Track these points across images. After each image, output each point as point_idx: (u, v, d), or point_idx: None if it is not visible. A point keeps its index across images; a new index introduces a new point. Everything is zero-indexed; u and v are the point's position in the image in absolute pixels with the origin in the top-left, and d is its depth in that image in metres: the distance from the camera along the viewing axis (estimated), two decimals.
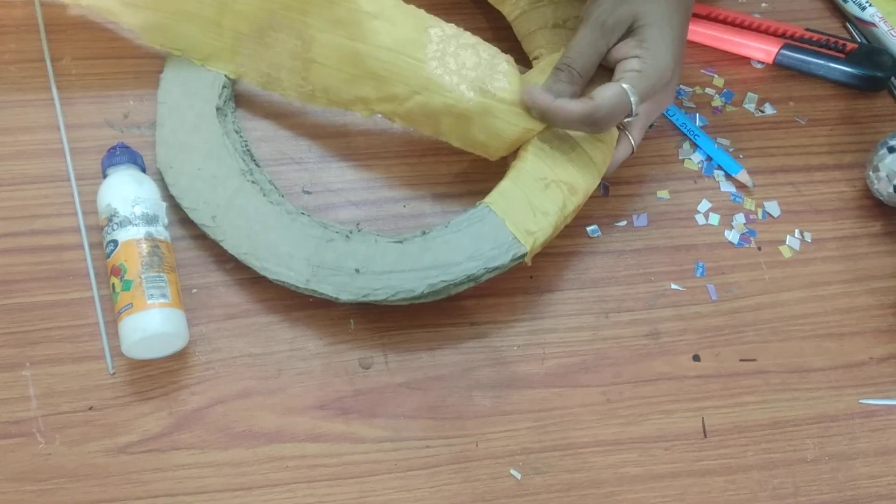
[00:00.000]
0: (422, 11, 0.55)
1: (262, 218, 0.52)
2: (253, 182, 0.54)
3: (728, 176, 0.60)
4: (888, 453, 0.52)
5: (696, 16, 0.66)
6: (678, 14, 0.54)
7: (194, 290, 0.53)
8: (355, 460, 0.49)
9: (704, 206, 0.59)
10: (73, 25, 0.61)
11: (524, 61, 0.59)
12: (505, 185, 0.53)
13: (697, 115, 0.63)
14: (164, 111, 0.56)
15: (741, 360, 0.54)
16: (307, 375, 0.51)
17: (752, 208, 0.59)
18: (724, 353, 0.54)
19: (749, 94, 0.64)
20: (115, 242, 0.50)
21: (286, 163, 0.58)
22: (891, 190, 0.58)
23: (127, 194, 0.51)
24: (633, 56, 0.53)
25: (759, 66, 0.65)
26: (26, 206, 0.55)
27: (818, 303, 0.56)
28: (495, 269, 0.51)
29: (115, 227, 0.50)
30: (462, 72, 0.53)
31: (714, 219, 0.59)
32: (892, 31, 0.66)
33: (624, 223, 0.58)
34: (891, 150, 0.58)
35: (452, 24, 0.55)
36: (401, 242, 0.51)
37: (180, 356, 0.51)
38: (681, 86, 0.64)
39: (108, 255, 0.50)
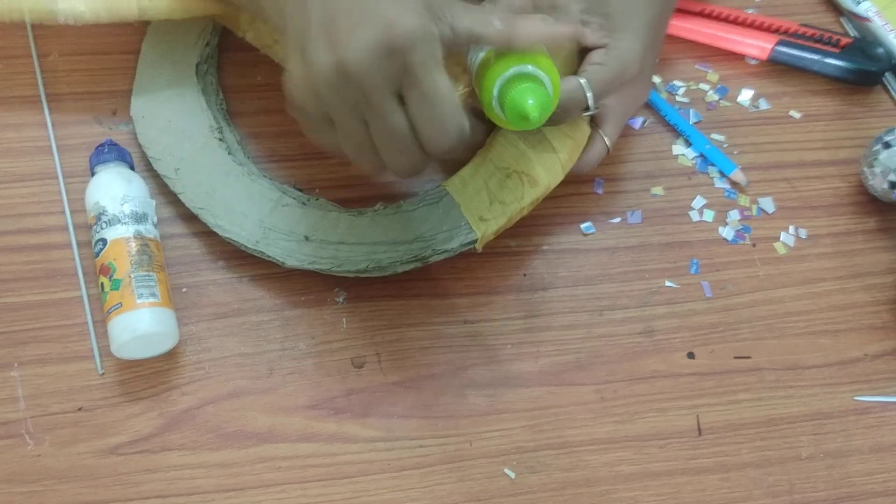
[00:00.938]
0: None
1: (223, 176, 0.53)
2: (220, 140, 0.54)
3: (722, 173, 0.60)
4: (883, 450, 0.52)
5: (690, 12, 0.65)
6: (651, 2, 0.52)
7: (184, 289, 0.52)
8: (348, 460, 0.49)
9: (699, 202, 0.59)
10: None
11: None
12: (466, 171, 0.53)
13: (691, 110, 0.62)
14: (144, 62, 0.57)
15: (736, 358, 0.54)
16: (299, 375, 0.51)
17: (747, 205, 0.59)
18: (718, 351, 0.54)
19: (743, 89, 0.64)
20: (104, 241, 0.50)
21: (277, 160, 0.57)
22: (885, 186, 0.57)
23: (116, 192, 0.51)
24: (600, 46, 0.52)
25: (753, 62, 0.65)
26: (13, 204, 0.54)
27: (813, 300, 0.56)
28: (443, 252, 0.51)
29: (104, 225, 0.50)
30: None
31: (708, 215, 0.58)
32: (886, 26, 0.66)
33: (618, 220, 0.58)
34: (886, 145, 0.57)
35: None
36: (354, 215, 0.52)
37: (170, 356, 0.50)
38: (674, 81, 0.63)
39: (97, 254, 0.50)
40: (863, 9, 0.67)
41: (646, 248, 0.57)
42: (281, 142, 0.58)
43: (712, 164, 0.60)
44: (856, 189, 0.60)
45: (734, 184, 0.60)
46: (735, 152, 0.61)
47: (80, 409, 0.49)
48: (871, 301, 0.56)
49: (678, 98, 0.63)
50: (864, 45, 0.64)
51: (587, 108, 0.51)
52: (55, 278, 0.52)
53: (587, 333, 0.54)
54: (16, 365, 0.49)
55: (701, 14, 0.66)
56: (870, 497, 0.50)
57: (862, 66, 0.63)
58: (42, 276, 0.52)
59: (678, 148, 0.61)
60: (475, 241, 0.52)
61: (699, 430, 0.51)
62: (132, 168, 0.53)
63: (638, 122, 0.62)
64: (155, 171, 0.55)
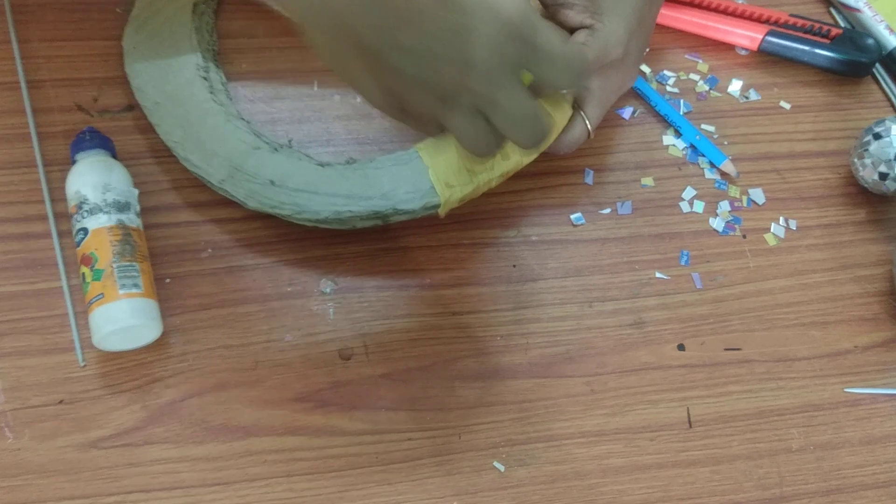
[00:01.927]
0: None
1: (201, 113, 0.53)
2: (204, 79, 0.54)
3: (713, 164, 0.60)
4: (873, 442, 0.51)
5: (680, 2, 0.65)
6: None
7: (168, 280, 0.51)
8: (335, 454, 0.48)
9: (689, 193, 0.58)
10: (40, 6, 0.58)
11: None
12: (440, 138, 0.53)
13: (682, 100, 0.62)
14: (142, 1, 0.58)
15: (726, 350, 0.53)
16: (285, 367, 0.50)
17: (737, 196, 0.59)
18: (708, 343, 0.53)
19: (733, 80, 0.63)
20: (86, 230, 0.48)
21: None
22: (875, 177, 0.57)
23: (97, 181, 0.50)
24: (585, 27, 0.52)
25: (743, 52, 0.65)
26: None
27: (803, 291, 0.56)
28: (405, 212, 0.51)
29: (85, 214, 0.49)
30: None
31: (699, 206, 0.58)
32: (877, 17, 0.66)
33: (608, 211, 0.57)
34: (876, 136, 0.57)
35: None
36: (322, 167, 0.52)
37: (154, 348, 0.49)
38: (664, 71, 0.63)
39: (78, 244, 0.49)
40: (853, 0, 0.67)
41: (636, 240, 0.56)
42: (262, 87, 0.58)
43: (702, 155, 0.60)
44: (846, 180, 0.60)
45: (724, 175, 0.59)
46: (725, 143, 0.61)
47: (61, 402, 0.48)
48: (861, 293, 0.56)
49: (668, 88, 0.62)
50: (854, 36, 0.64)
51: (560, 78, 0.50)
52: (35, 268, 0.51)
53: (577, 325, 0.53)
54: None
55: (691, 4, 0.65)
56: (860, 489, 0.50)
57: (852, 57, 0.63)
58: (22, 265, 0.51)
59: (668, 138, 0.60)
60: (438, 206, 0.51)
61: (689, 422, 0.51)
62: (114, 156, 0.52)
63: (628, 113, 0.61)
64: (136, 159, 0.54)
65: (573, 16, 0.52)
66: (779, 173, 0.60)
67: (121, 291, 0.47)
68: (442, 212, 0.52)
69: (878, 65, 0.65)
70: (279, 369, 0.50)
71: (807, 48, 0.63)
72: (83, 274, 0.48)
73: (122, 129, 0.55)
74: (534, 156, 0.53)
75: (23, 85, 0.56)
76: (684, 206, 0.58)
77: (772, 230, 0.58)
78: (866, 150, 0.57)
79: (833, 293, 0.56)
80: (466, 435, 0.49)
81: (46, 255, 0.51)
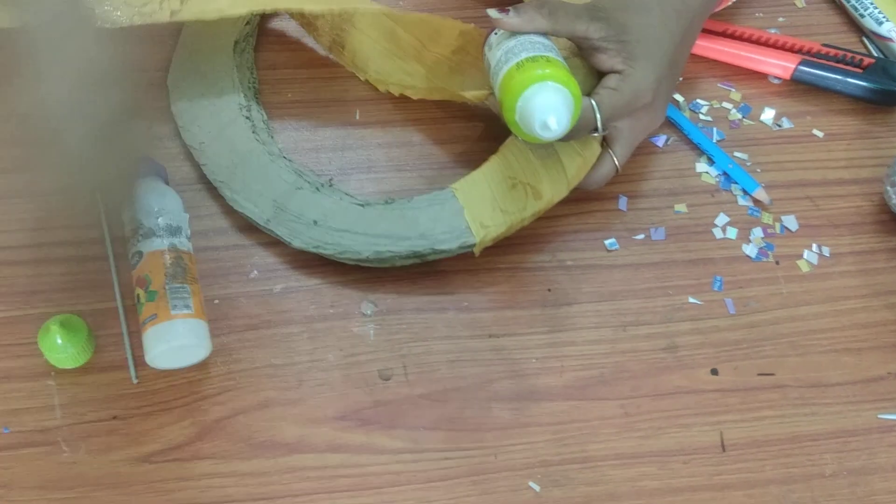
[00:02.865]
0: None
1: (245, 153, 0.55)
2: (247, 118, 0.56)
3: (745, 191, 0.61)
4: None
5: (713, 32, 0.66)
6: (672, 33, 0.54)
7: (216, 301, 0.53)
8: (375, 471, 0.49)
9: (722, 219, 0.59)
10: None
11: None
12: (475, 176, 0.55)
13: (714, 128, 0.63)
14: (186, 33, 0.60)
15: (759, 375, 0.54)
16: (327, 386, 0.52)
17: (770, 222, 0.60)
18: (742, 367, 0.54)
19: (766, 108, 0.64)
20: (140, 254, 0.51)
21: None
22: None
23: (151, 206, 0.52)
24: (616, 71, 0.54)
25: (776, 81, 0.66)
26: (52, 216, 0.55)
27: (836, 317, 0.56)
28: (442, 251, 0.53)
29: (140, 238, 0.51)
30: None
31: (731, 233, 0.59)
32: None
33: (642, 237, 0.58)
34: None
35: None
36: (363, 206, 0.54)
37: (203, 366, 0.51)
38: (697, 100, 0.64)
39: (134, 266, 0.51)
40: (885, 29, 0.67)
41: (669, 265, 0.57)
42: (304, 126, 0.60)
43: (735, 182, 0.61)
44: (879, 208, 0.61)
45: (757, 201, 0.60)
46: (758, 170, 0.61)
47: (114, 418, 0.50)
48: (894, 319, 0.56)
49: (701, 116, 0.64)
50: (886, 65, 0.65)
51: (596, 129, 0.53)
52: (91, 289, 0.53)
53: (611, 349, 0.54)
54: (52, 374, 0.51)
55: (724, 34, 0.66)
56: None
57: (884, 86, 0.64)
58: (80, 286, 0.53)
59: (701, 166, 0.61)
60: (474, 245, 0.53)
61: (723, 446, 0.52)
62: (167, 182, 0.55)
63: (661, 140, 0.62)
64: (187, 185, 0.56)
65: (605, 60, 0.54)
66: (812, 200, 0.61)
67: (173, 312, 0.49)
68: (477, 251, 0.54)
69: None
70: (321, 388, 0.52)
71: (839, 77, 0.64)
72: (138, 295, 0.50)
73: (173, 157, 0.57)
74: (564, 194, 0.55)
75: None
76: (717, 233, 0.59)
77: (805, 257, 0.58)
78: None
79: (866, 320, 0.56)
80: (503, 455, 0.50)
81: (103, 277, 0.53)
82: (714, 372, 0.54)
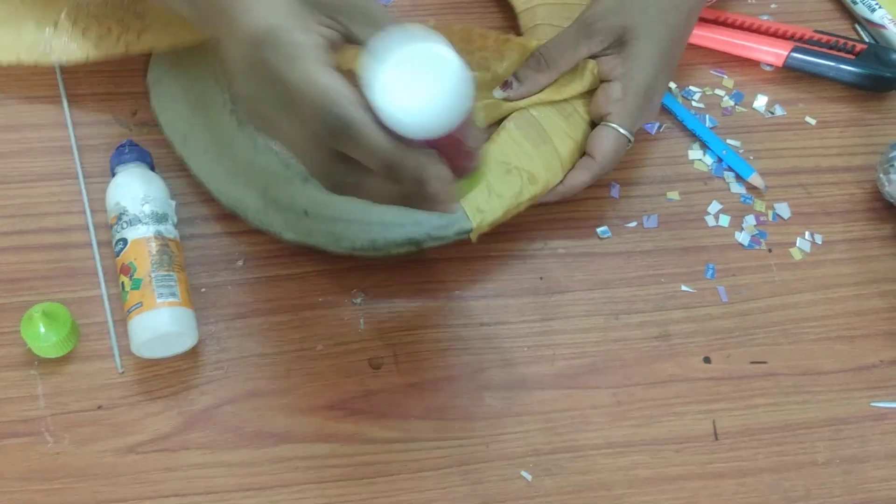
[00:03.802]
0: None
1: (231, 147, 0.54)
2: (232, 111, 0.54)
3: (738, 177, 0.60)
4: None
5: (705, 20, 0.66)
6: (670, 28, 0.54)
7: (203, 290, 0.53)
8: (365, 461, 0.49)
9: (714, 207, 0.59)
10: None
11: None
12: None
13: (707, 115, 0.62)
14: None
15: (752, 363, 0.54)
16: (317, 376, 0.51)
17: (763, 210, 0.59)
18: (734, 356, 0.54)
19: (758, 95, 0.64)
20: (125, 241, 0.50)
21: None
22: None
23: (136, 192, 0.51)
24: (616, 78, 0.54)
25: (768, 68, 0.65)
26: (35, 203, 0.54)
27: (829, 305, 0.56)
28: (438, 238, 0.52)
29: (125, 225, 0.50)
30: None
31: (724, 220, 0.58)
32: None
33: (634, 224, 0.58)
34: None
35: None
36: None
37: (190, 355, 0.51)
38: (690, 86, 0.64)
39: (118, 254, 0.50)
40: (878, 16, 0.67)
41: (662, 253, 0.57)
42: None
43: (728, 169, 0.60)
44: (871, 195, 0.60)
45: (750, 189, 0.60)
46: (751, 158, 0.61)
47: (99, 408, 0.49)
48: (886, 307, 0.56)
49: (694, 103, 0.63)
50: (878, 51, 0.64)
51: (629, 141, 0.55)
52: (75, 277, 0.52)
53: (603, 337, 0.54)
54: (36, 363, 0.50)
55: (716, 21, 0.66)
56: (886, 503, 0.50)
57: (877, 72, 0.63)
58: (63, 274, 0.52)
59: (694, 153, 0.61)
60: (470, 231, 0.52)
61: (716, 434, 0.51)
62: (152, 169, 0.54)
63: (654, 128, 0.62)
64: (174, 171, 0.55)
65: (607, 60, 0.54)
66: (804, 188, 0.60)
67: (159, 300, 0.48)
68: (474, 237, 0.53)
69: None
70: (311, 377, 0.51)
71: (832, 64, 0.64)
72: (122, 283, 0.49)
73: (158, 143, 0.56)
74: (559, 178, 0.55)
75: (64, 99, 0.58)
76: (710, 220, 0.58)
77: (797, 244, 0.58)
78: (892, 165, 0.58)
79: (859, 307, 0.56)
80: (494, 444, 0.50)
81: (86, 265, 0.52)
82: (707, 360, 0.54)
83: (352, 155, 0.38)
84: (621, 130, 0.54)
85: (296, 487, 0.48)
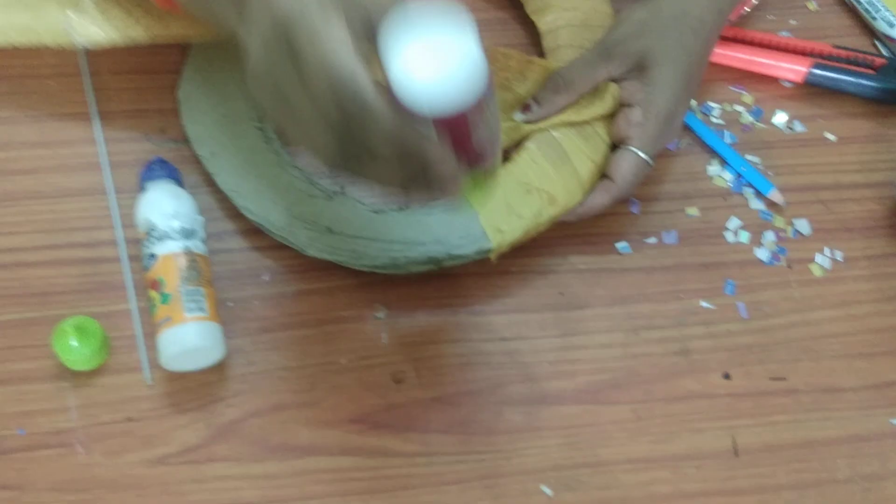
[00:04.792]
0: None
1: (257, 162, 0.55)
2: (259, 129, 0.56)
3: (758, 193, 0.60)
4: None
5: (725, 38, 0.66)
6: (689, 52, 0.55)
7: (230, 304, 0.54)
8: (388, 474, 0.50)
9: (734, 223, 0.59)
10: None
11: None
12: None
13: (727, 132, 0.63)
14: (198, 48, 0.59)
15: (772, 379, 0.54)
16: (340, 389, 0.52)
17: (783, 226, 0.59)
18: (754, 372, 0.54)
19: (778, 111, 0.64)
20: (154, 256, 0.51)
21: None
22: None
23: (165, 209, 0.52)
24: (636, 103, 0.54)
25: (787, 84, 0.66)
26: (66, 218, 0.55)
27: (849, 322, 0.56)
28: (458, 257, 0.53)
29: (154, 240, 0.51)
30: None
31: (744, 236, 0.59)
32: None
33: (654, 240, 0.58)
34: None
35: None
36: (376, 213, 0.54)
37: (217, 369, 0.52)
38: (709, 102, 0.64)
39: (147, 269, 0.51)
40: None
41: (681, 269, 0.57)
42: None
43: (748, 185, 0.61)
44: (892, 212, 0.61)
45: (770, 205, 0.60)
46: (770, 174, 0.61)
47: (129, 420, 0.50)
48: None
49: (713, 119, 0.63)
50: None
51: (649, 164, 0.55)
52: (105, 291, 0.53)
53: (623, 353, 0.54)
54: (67, 376, 0.51)
55: (735, 39, 0.66)
56: None
57: None
58: (93, 289, 0.53)
59: (713, 169, 0.61)
60: (490, 251, 0.53)
61: (735, 451, 0.52)
62: (181, 185, 0.55)
63: (673, 144, 0.62)
64: (202, 187, 0.56)
65: (626, 85, 0.55)
66: (824, 204, 0.61)
67: (187, 315, 0.49)
68: (494, 256, 0.53)
69: None
70: (335, 391, 0.52)
71: (851, 79, 0.64)
72: (151, 297, 0.50)
73: (187, 159, 0.57)
74: (578, 199, 0.55)
75: (95, 116, 0.59)
76: (729, 237, 0.59)
77: (817, 261, 0.58)
78: None
79: (879, 324, 0.56)
80: (515, 459, 0.51)
81: (116, 279, 0.54)
82: (726, 376, 0.54)
83: (360, 132, 0.38)
84: (641, 155, 0.54)
85: (319, 500, 0.49)
